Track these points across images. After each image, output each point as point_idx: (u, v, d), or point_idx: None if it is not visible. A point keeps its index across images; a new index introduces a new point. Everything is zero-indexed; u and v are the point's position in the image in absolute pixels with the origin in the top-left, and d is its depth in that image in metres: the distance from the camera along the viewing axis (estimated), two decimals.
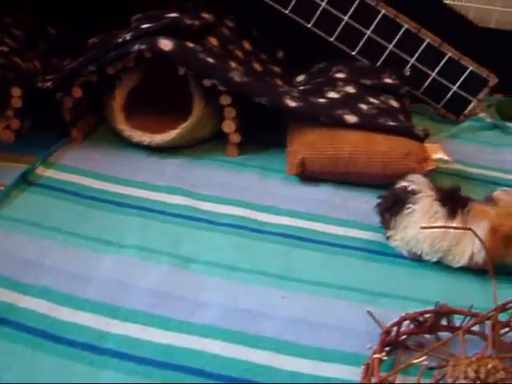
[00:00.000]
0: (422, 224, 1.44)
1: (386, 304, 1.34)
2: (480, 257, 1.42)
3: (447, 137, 2.13)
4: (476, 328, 1.28)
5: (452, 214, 1.44)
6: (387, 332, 1.21)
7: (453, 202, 1.47)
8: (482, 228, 1.40)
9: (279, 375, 1.16)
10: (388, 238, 1.52)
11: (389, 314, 1.27)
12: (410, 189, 1.49)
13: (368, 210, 1.60)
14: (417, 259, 1.49)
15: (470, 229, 1.29)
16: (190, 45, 1.80)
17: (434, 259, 1.48)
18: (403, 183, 1.51)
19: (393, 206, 1.50)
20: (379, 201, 1.54)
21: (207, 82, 1.76)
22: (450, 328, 1.28)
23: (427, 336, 1.28)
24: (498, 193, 1.50)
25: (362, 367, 1.15)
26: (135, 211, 1.59)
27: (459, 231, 1.41)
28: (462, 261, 1.45)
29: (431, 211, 1.46)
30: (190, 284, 1.36)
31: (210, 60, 1.76)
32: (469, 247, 1.42)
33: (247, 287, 1.36)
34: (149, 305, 1.29)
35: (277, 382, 1.15)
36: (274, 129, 1.88)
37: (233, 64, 1.90)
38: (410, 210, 1.47)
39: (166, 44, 1.73)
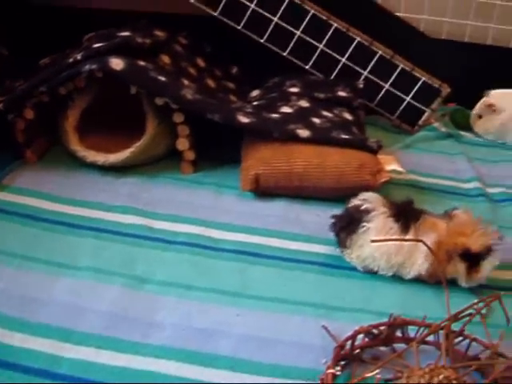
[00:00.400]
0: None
1: (341, 318, 1.34)
2: (423, 268, 1.44)
3: (402, 147, 2.16)
4: (431, 338, 1.29)
5: (405, 229, 1.46)
6: (341, 346, 1.21)
7: (406, 216, 1.48)
8: (428, 240, 1.41)
9: None
10: (344, 255, 1.53)
11: (344, 328, 1.27)
12: (363, 207, 1.50)
13: (322, 224, 1.60)
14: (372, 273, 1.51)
15: (421, 241, 1.30)
16: (142, 63, 1.79)
17: (390, 274, 1.49)
18: (356, 202, 1.53)
19: (348, 225, 1.51)
20: (334, 220, 1.55)
21: (159, 101, 1.76)
22: (405, 339, 1.28)
23: (382, 348, 1.28)
24: (457, 211, 1.50)
25: (318, 382, 1.15)
26: (90, 232, 1.57)
27: (412, 245, 1.42)
28: (412, 272, 1.47)
29: (386, 228, 1.47)
30: (145, 304, 1.34)
31: (162, 78, 1.76)
32: (419, 259, 1.44)
33: (202, 306, 1.35)
34: (102, 327, 1.27)
35: None
36: (229, 145, 1.88)
37: (185, 81, 1.89)
38: (364, 228, 1.48)
39: (117, 63, 1.72)
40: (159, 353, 1.22)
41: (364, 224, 1.48)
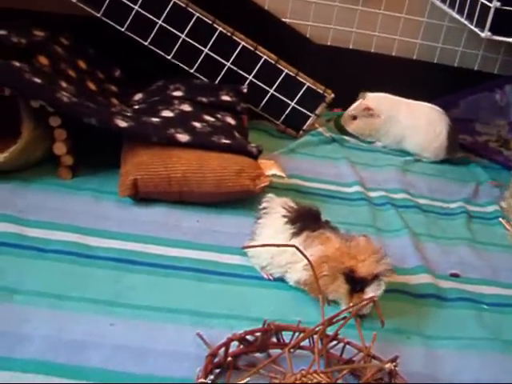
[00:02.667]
0: (267, 237, 1.47)
1: (217, 325, 1.32)
2: (303, 276, 1.44)
3: (286, 152, 2.17)
4: (306, 343, 1.29)
5: (296, 234, 1.46)
6: (213, 354, 1.19)
7: (303, 222, 1.48)
8: (315, 252, 1.42)
9: None
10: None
11: (221, 335, 1.25)
12: (262, 206, 1.55)
13: (202, 230, 1.59)
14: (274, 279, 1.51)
15: (294, 246, 1.30)
16: (16, 64, 1.72)
17: (277, 275, 1.50)
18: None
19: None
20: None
21: (35, 103, 1.69)
22: (280, 345, 1.28)
23: (258, 355, 1.27)
24: (360, 237, 1.47)
25: None
26: None
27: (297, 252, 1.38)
28: (292, 278, 1.47)
29: (275, 227, 1.49)
30: (12, 317, 1.27)
31: (37, 80, 1.69)
32: (301, 267, 1.43)
33: (74, 316, 1.29)
34: None
35: None
36: (109, 150, 1.82)
37: (63, 84, 1.83)
38: (259, 224, 1.53)
39: None
40: (27, 367, 1.16)
41: (259, 221, 1.53)
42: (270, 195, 1.59)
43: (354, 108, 2.35)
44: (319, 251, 1.42)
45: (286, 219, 1.49)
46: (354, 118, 2.36)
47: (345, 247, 1.43)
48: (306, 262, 1.35)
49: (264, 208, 1.55)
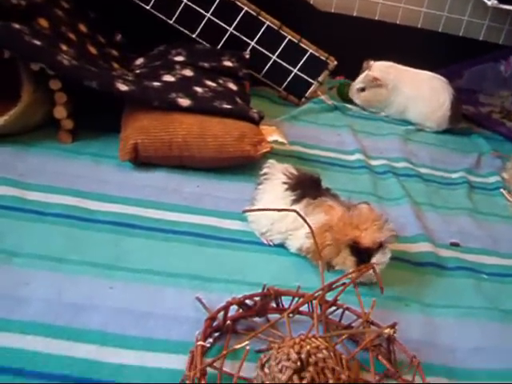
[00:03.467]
0: (267, 203, 1.46)
1: (217, 289, 1.32)
2: (305, 244, 1.44)
3: (288, 119, 2.16)
4: (305, 308, 1.29)
5: (297, 200, 1.46)
6: (212, 318, 1.19)
7: (304, 189, 1.47)
8: (318, 220, 1.41)
9: (104, 369, 1.12)
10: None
11: (220, 300, 1.25)
12: (263, 172, 1.55)
13: (202, 195, 1.59)
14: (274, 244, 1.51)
15: (295, 211, 1.29)
16: (16, 26, 1.69)
17: (277, 241, 1.50)
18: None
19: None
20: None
21: (35, 66, 1.67)
22: (279, 310, 1.28)
23: (257, 319, 1.27)
24: (361, 205, 1.46)
25: (189, 355, 1.13)
26: None
27: (298, 219, 1.32)
28: (294, 246, 1.47)
29: (276, 193, 1.49)
30: (12, 279, 1.27)
31: (37, 42, 1.67)
32: (303, 235, 1.43)
33: (74, 279, 1.29)
34: None
35: (102, 376, 1.10)
36: (110, 114, 1.81)
37: (63, 47, 1.81)
38: (260, 190, 1.53)
39: None
40: (26, 329, 1.16)
41: (260, 187, 1.53)
42: (270, 161, 1.59)
43: (361, 80, 2.33)
44: (321, 219, 1.42)
45: (286, 185, 1.49)
46: (363, 89, 2.33)
47: (347, 217, 1.42)
48: (307, 229, 1.33)
49: (265, 174, 1.55)
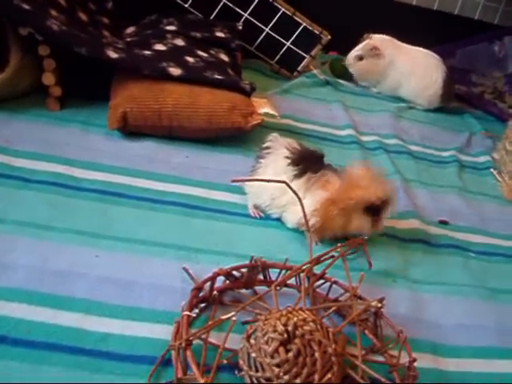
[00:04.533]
0: (268, 177, 1.44)
1: (204, 260, 1.32)
2: (314, 219, 1.42)
3: (279, 92, 2.14)
4: (293, 281, 1.28)
5: (299, 175, 1.45)
6: (198, 288, 1.18)
7: (306, 164, 1.46)
8: (318, 195, 1.42)
9: (89, 337, 1.11)
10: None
11: (207, 271, 1.24)
12: (265, 145, 1.53)
13: (191, 165, 1.57)
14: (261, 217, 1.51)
15: (284, 182, 1.27)
16: None
17: (275, 215, 1.50)
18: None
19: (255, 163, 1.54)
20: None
21: (23, 31, 1.64)
22: (267, 282, 1.27)
23: (244, 291, 1.27)
24: (355, 167, 1.48)
25: (174, 325, 1.12)
26: None
27: (299, 192, 1.35)
28: (293, 221, 1.46)
29: (278, 167, 1.47)
30: None
31: (26, 6, 1.63)
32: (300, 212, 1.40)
33: (59, 247, 1.28)
34: None
35: (86, 344, 1.09)
36: (99, 82, 1.78)
37: (53, 12, 1.77)
38: (261, 164, 1.51)
39: None
40: (10, 296, 1.15)
41: (261, 160, 1.51)
42: (274, 134, 1.56)
43: (360, 48, 2.30)
44: (323, 194, 1.42)
45: (288, 160, 1.47)
46: (360, 58, 2.30)
47: (345, 182, 1.43)
48: (309, 203, 1.37)
49: (267, 147, 1.52)
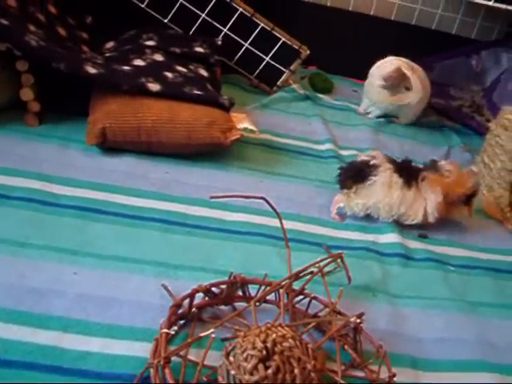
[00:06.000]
0: (381, 193, 1.64)
1: (183, 277, 1.31)
2: (433, 217, 1.68)
3: (258, 107, 2.14)
4: (273, 297, 1.28)
5: (407, 183, 1.65)
6: (177, 305, 1.17)
7: (407, 172, 1.67)
8: (437, 194, 1.65)
9: (66, 356, 1.09)
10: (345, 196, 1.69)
11: (186, 287, 1.23)
12: (371, 163, 1.65)
13: (170, 181, 1.56)
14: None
15: (262, 198, 1.27)
16: None
17: (390, 220, 1.68)
18: (364, 157, 1.70)
19: (355, 175, 1.67)
20: (342, 170, 1.70)
21: (1, 46, 1.63)
22: (246, 298, 1.27)
23: (224, 308, 1.26)
24: (444, 163, 1.72)
25: (153, 343, 1.11)
26: None
27: (413, 198, 1.65)
28: (416, 220, 1.68)
29: (391, 182, 1.64)
30: None
31: (4, 22, 1.63)
32: (421, 208, 1.66)
33: (37, 264, 1.26)
34: None
35: (64, 362, 1.08)
36: (78, 98, 1.78)
37: (32, 27, 1.77)
38: (371, 181, 1.64)
39: None
40: None
41: (371, 177, 1.64)
42: (374, 152, 1.72)
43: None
44: (438, 192, 1.66)
45: (396, 173, 1.65)
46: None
47: (451, 181, 1.68)
48: (423, 205, 1.67)
49: (374, 165, 1.65)
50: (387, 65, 2.24)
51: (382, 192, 1.64)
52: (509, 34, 2.81)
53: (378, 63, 2.27)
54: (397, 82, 2.24)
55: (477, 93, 2.67)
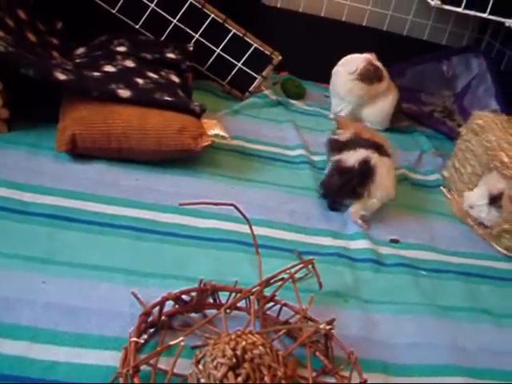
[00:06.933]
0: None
1: (153, 285, 1.30)
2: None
3: (230, 113, 2.14)
4: (243, 304, 1.28)
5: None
6: (147, 313, 1.17)
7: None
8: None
9: (34, 366, 1.08)
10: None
11: (156, 295, 1.22)
12: (371, 163, 1.70)
13: (141, 188, 1.55)
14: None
15: (232, 204, 1.27)
16: None
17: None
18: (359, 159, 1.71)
19: (363, 179, 1.69)
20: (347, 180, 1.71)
21: None
22: (217, 306, 1.26)
23: (194, 315, 1.25)
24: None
25: (123, 351, 1.10)
26: None
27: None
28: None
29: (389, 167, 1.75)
30: None
31: None
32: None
33: (5, 273, 1.24)
34: None
35: (32, 373, 1.07)
36: (48, 104, 1.75)
37: (0, 33, 1.75)
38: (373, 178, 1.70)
39: None
40: None
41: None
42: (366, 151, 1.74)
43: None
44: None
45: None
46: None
47: None
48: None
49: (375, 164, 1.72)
50: (358, 60, 2.25)
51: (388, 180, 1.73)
52: (479, 39, 2.85)
53: (343, 60, 2.27)
54: (373, 74, 2.25)
55: (448, 98, 2.70)
